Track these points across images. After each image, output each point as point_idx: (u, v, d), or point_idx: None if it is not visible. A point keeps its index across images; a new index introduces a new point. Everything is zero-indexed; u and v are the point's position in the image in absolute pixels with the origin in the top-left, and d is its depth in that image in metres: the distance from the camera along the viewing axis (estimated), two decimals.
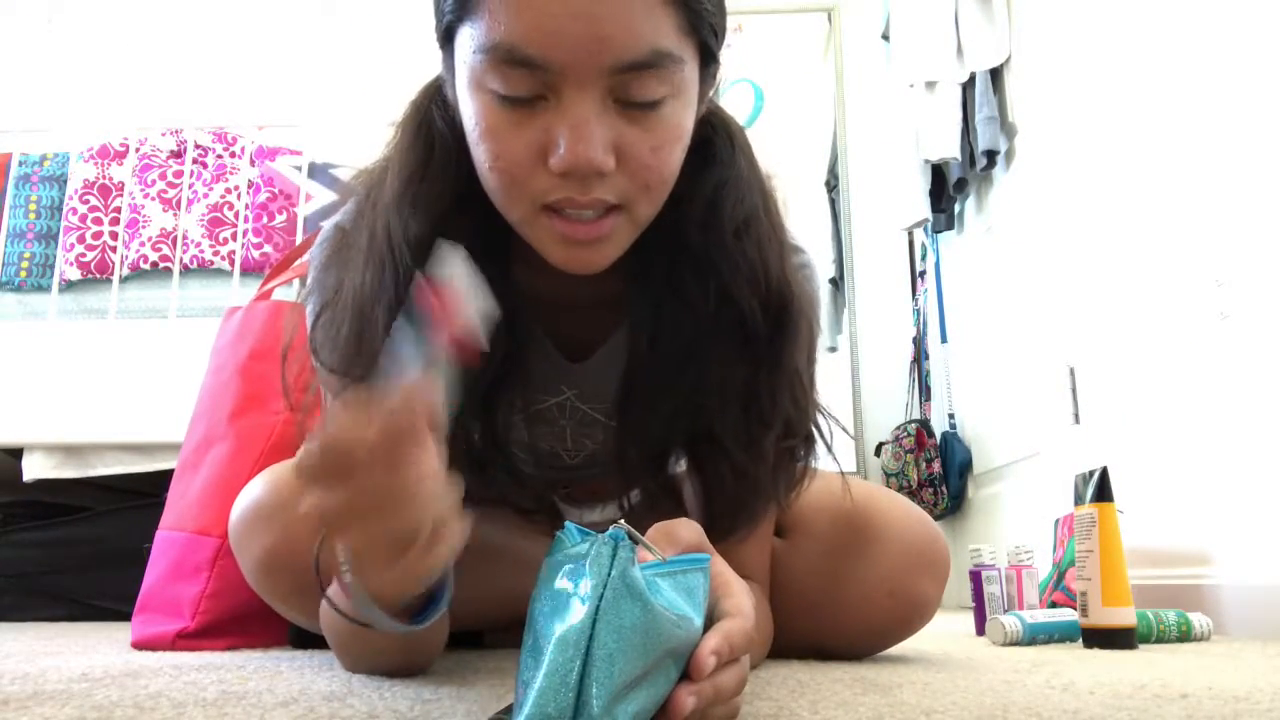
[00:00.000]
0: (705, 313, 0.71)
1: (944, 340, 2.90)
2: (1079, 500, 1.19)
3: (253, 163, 2.59)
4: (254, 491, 0.89)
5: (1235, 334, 1.43)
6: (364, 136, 2.49)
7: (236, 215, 2.51)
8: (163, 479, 1.42)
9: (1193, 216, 1.55)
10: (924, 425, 2.85)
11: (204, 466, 1.25)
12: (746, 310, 0.71)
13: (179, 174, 2.57)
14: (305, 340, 0.76)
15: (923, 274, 3.10)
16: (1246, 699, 0.63)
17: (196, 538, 1.20)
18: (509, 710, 0.46)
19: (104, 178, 2.58)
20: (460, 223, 0.68)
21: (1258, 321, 1.38)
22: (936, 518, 2.64)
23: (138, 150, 2.62)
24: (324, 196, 2.52)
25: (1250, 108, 1.41)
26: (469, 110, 0.62)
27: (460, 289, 0.44)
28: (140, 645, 1.16)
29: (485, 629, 1.08)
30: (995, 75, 2.49)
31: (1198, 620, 1.26)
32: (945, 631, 1.49)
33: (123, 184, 2.57)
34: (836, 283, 3.25)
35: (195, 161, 2.60)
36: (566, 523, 0.50)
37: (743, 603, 0.50)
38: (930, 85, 2.58)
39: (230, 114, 2.78)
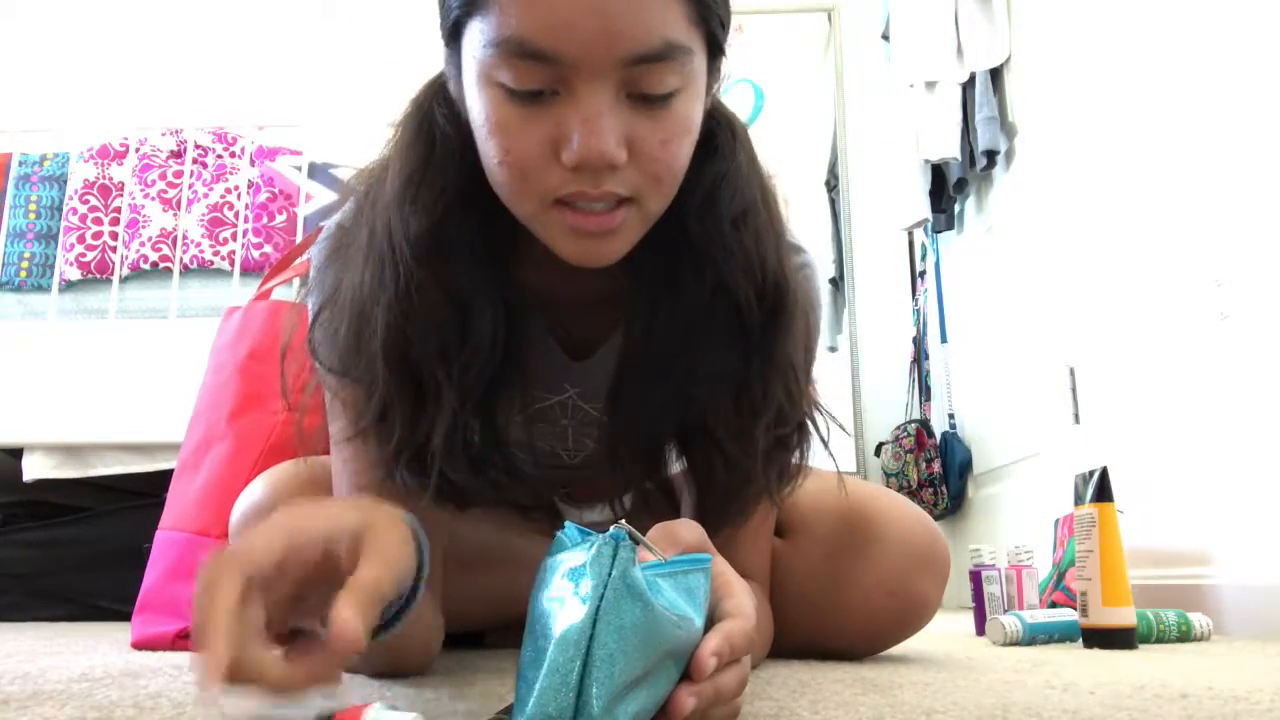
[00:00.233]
0: (699, 302, 0.71)
1: (944, 340, 2.90)
2: (1079, 500, 1.19)
3: (253, 163, 2.59)
4: (254, 493, 0.89)
5: (1235, 334, 1.43)
6: (364, 136, 2.50)
7: (236, 215, 2.51)
8: (163, 479, 1.42)
9: (1193, 216, 1.55)
10: (924, 425, 2.85)
11: (203, 467, 1.25)
12: (741, 300, 0.70)
13: (179, 174, 2.58)
14: (304, 339, 0.76)
15: (923, 274, 3.10)
16: (1246, 699, 0.63)
17: (196, 538, 1.20)
18: (509, 710, 0.46)
19: (104, 178, 2.58)
20: (462, 220, 0.68)
21: (1258, 321, 1.38)
22: (936, 518, 2.64)
23: (138, 150, 2.62)
24: (324, 196, 2.52)
25: (1250, 107, 1.41)
26: (477, 106, 0.62)
27: None
28: (140, 645, 1.16)
29: (485, 629, 1.08)
30: (995, 75, 2.49)
31: (1198, 620, 1.26)
32: (945, 632, 1.49)
33: (123, 184, 2.57)
34: (836, 283, 3.25)
35: (195, 161, 2.60)
36: (566, 523, 0.50)
37: (744, 603, 0.50)
38: (930, 85, 2.58)
39: (230, 114, 2.78)
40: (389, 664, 0.74)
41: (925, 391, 2.99)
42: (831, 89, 3.37)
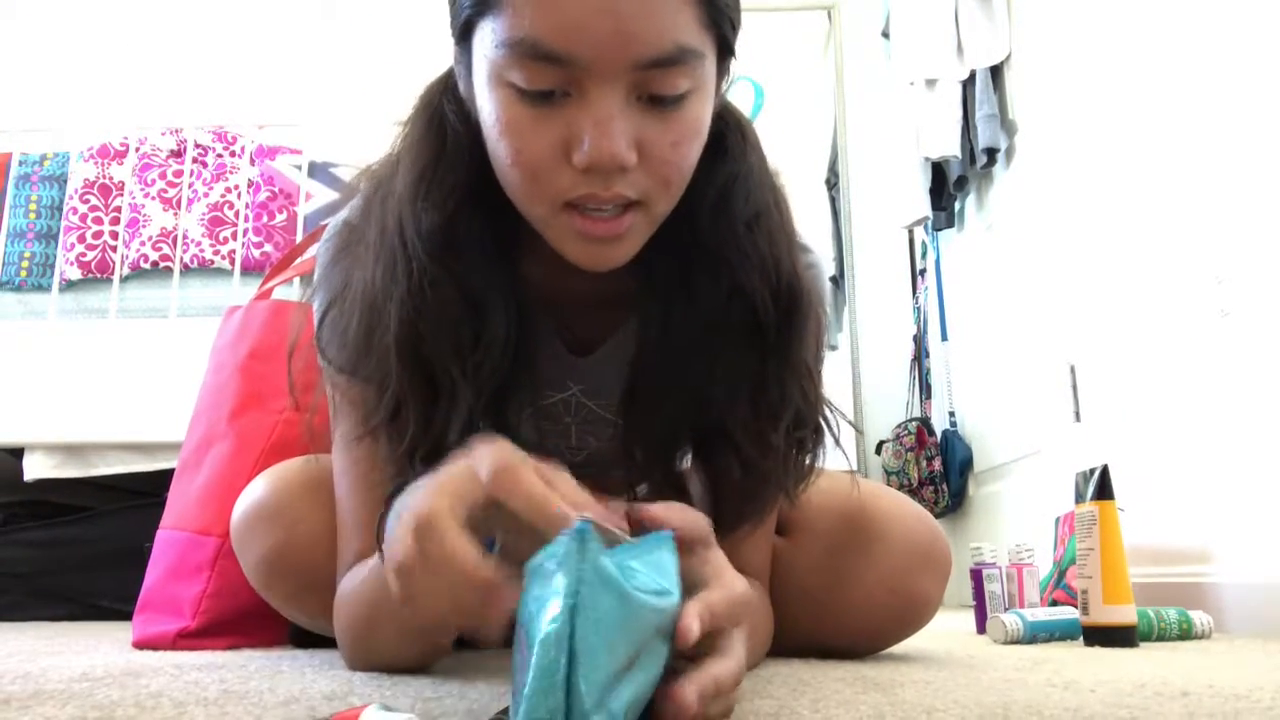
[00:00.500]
0: (715, 305, 0.71)
1: (944, 338, 2.90)
2: (1080, 498, 1.19)
3: (253, 162, 2.59)
4: (256, 491, 0.89)
5: (1236, 331, 1.43)
6: (364, 135, 2.50)
7: (237, 214, 2.51)
8: (163, 478, 1.42)
9: (1193, 214, 1.55)
10: (924, 423, 2.85)
11: (204, 466, 1.25)
12: (757, 302, 0.71)
13: (179, 173, 2.57)
14: (310, 339, 0.76)
15: (923, 272, 3.10)
16: (1247, 697, 0.63)
17: (197, 537, 1.20)
18: (508, 711, 0.46)
19: (104, 177, 2.58)
20: (472, 217, 0.68)
21: (1258, 319, 1.38)
22: (937, 516, 2.64)
23: (138, 150, 2.62)
24: (324, 195, 2.51)
25: (1250, 105, 1.41)
26: (488, 105, 0.62)
27: None
28: (141, 645, 1.16)
29: None
30: (995, 73, 2.49)
31: (1198, 618, 1.26)
32: (946, 630, 1.49)
33: (123, 183, 2.57)
34: (837, 281, 3.24)
35: (195, 161, 2.60)
36: None
37: (729, 579, 0.50)
38: (930, 83, 2.58)
39: (230, 113, 2.78)
40: (420, 655, 0.74)
41: (926, 389, 2.99)
42: (831, 87, 3.37)
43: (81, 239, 2.50)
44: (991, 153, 2.40)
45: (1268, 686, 0.68)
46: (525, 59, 0.58)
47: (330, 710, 0.53)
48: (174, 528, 1.23)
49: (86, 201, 2.54)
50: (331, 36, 3.25)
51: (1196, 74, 1.55)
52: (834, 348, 3.18)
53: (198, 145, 2.62)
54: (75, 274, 2.48)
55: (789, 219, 0.75)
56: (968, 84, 2.53)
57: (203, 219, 2.52)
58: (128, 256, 2.50)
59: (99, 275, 2.49)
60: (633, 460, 0.75)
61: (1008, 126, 2.43)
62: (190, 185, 2.56)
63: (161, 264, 2.49)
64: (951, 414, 2.80)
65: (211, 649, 1.12)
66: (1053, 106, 2.15)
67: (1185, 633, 1.24)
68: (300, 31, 3.27)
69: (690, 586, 0.48)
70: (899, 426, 2.89)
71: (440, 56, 0.75)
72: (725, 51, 0.65)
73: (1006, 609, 1.42)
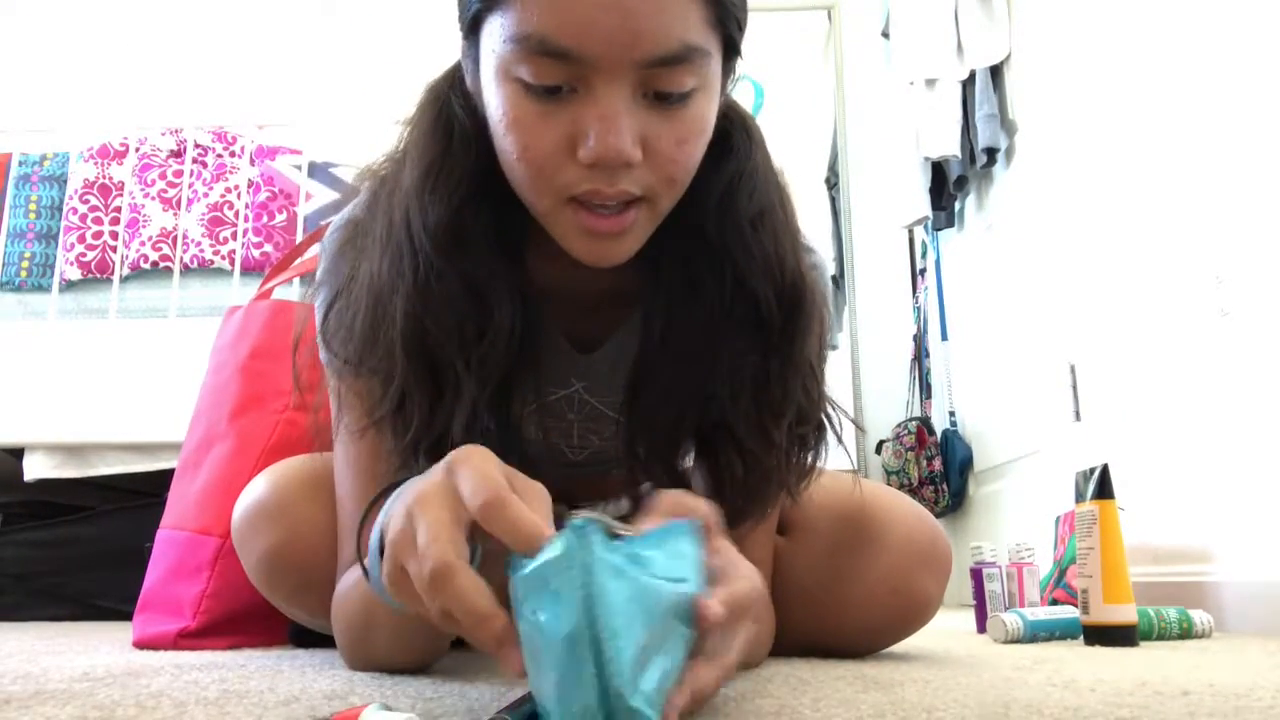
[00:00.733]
0: (719, 302, 0.71)
1: (944, 338, 2.90)
2: (1080, 497, 1.19)
3: (253, 162, 2.59)
4: (256, 490, 0.89)
5: (1236, 331, 1.43)
6: (364, 135, 2.50)
7: (236, 214, 2.51)
8: (163, 478, 1.42)
9: (1193, 213, 1.55)
10: (924, 423, 2.85)
11: (205, 466, 1.25)
12: (761, 300, 0.71)
13: (179, 173, 2.57)
14: (315, 335, 0.76)
15: (923, 271, 3.10)
16: (1248, 696, 0.63)
17: (197, 537, 1.20)
18: (509, 710, 0.46)
19: (104, 177, 2.58)
20: (478, 211, 0.68)
21: (1258, 318, 1.38)
22: (937, 515, 2.63)
23: (138, 150, 2.62)
24: (324, 195, 2.52)
25: (1250, 104, 1.41)
26: (495, 100, 0.62)
27: None
28: (142, 644, 1.16)
29: None
30: (995, 72, 2.49)
31: (1199, 617, 1.26)
32: (946, 629, 1.49)
33: (123, 184, 2.57)
34: (837, 280, 3.25)
35: (195, 161, 2.60)
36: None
37: (749, 572, 0.51)
38: (930, 83, 2.58)
39: (230, 113, 2.78)
40: (416, 655, 0.74)
41: (926, 389, 2.99)
42: (831, 86, 3.37)
43: (81, 239, 2.50)
44: (991, 152, 2.41)
45: (1268, 685, 0.68)
46: (533, 54, 0.58)
47: (331, 710, 0.53)
48: (174, 528, 1.23)
49: (86, 202, 2.55)
50: (331, 36, 3.25)
51: (1196, 74, 1.55)
52: (834, 347, 3.18)
53: (197, 145, 2.62)
54: (75, 274, 2.48)
55: (793, 217, 0.76)
56: (968, 84, 2.53)
57: (202, 219, 2.53)
58: (128, 257, 2.50)
59: (99, 275, 2.49)
60: (635, 457, 0.75)
61: (1008, 126, 2.43)
62: (190, 185, 2.56)
63: (161, 264, 2.49)
64: (951, 413, 2.81)
65: (212, 649, 1.12)
66: (1053, 106, 2.15)
67: (1185, 632, 1.24)
68: (300, 31, 3.27)
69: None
70: (899, 426, 2.89)
71: (441, 55, 0.75)
72: (731, 50, 0.65)
73: (1007, 608, 1.42)
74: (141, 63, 3.24)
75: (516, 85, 0.60)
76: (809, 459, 0.76)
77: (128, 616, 1.28)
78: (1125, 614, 1.12)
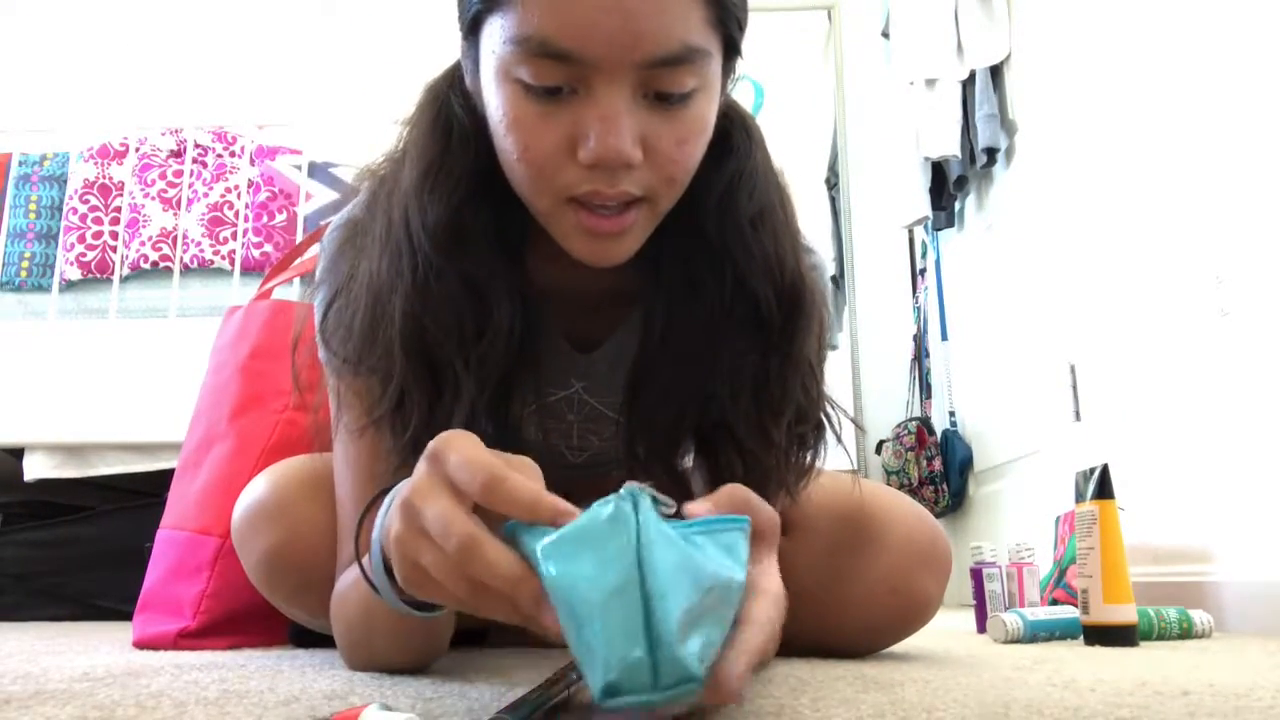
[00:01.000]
0: (719, 302, 0.71)
1: (944, 338, 2.90)
2: (1080, 497, 1.19)
3: (253, 162, 2.59)
4: (256, 490, 0.89)
5: (1236, 331, 1.43)
6: (364, 135, 2.50)
7: (236, 214, 2.51)
8: (163, 478, 1.42)
9: (1193, 213, 1.55)
10: (925, 423, 2.85)
11: (204, 466, 1.25)
12: (761, 299, 0.71)
13: (179, 173, 2.57)
14: (314, 334, 0.76)
15: (923, 271, 3.10)
16: (1248, 696, 0.63)
17: (197, 537, 1.20)
18: (510, 709, 0.46)
19: (104, 177, 2.58)
20: (478, 211, 0.68)
21: (1258, 318, 1.38)
22: (937, 515, 2.64)
23: (138, 150, 2.62)
24: (324, 195, 2.52)
25: (1250, 104, 1.41)
26: (495, 100, 0.62)
27: None
28: (142, 644, 1.16)
29: (487, 628, 1.08)
30: (995, 72, 2.49)
31: (1199, 617, 1.26)
32: (946, 629, 1.49)
33: (123, 183, 2.57)
34: (837, 281, 3.25)
35: (195, 161, 2.60)
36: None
37: (774, 595, 0.50)
38: (930, 83, 2.58)
39: (230, 113, 2.78)
40: (413, 656, 0.74)
41: (926, 389, 2.99)
42: (831, 86, 3.37)
43: (81, 239, 2.50)
44: (991, 152, 2.41)
45: (1268, 685, 0.68)
46: (534, 56, 0.58)
47: (331, 710, 0.53)
48: (174, 528, 1.23)
49: (86, 202, 2.54)
50: (331, 36, 3.25)
51: (1196, 74, 1.55)
52: (834, 347, 3.18)
53: (197, 145, 2.62)
54: (75, 274, 2.48)
55: (793, 217, 0.76)
56: (968, 84, 2.53)
57: (202, 219, 2.53)
58: (127, 257, 2.50)
59: (99, 275, 2.49)
60: (635, 458, 0.75)
61: (1007, 126, 2.43)
62: (190, 185, 2.56)
63: (161, 264, 2.49)
64: (951, 413, 2.81)
65: (212, 649, 1.12)
66: (1053, 106, 2.15)
67: (1185, 632, 1.24)
68: (300, 31, 3.27)
69: None
70: (899, 426, 2.89)
71: (440, 55, 0.75)
72: (732, 51, 0.65)
73: (1007, 608, 1.42)
74: (141, 63, 3.25)
75: (517, 86, 0.60)
76: (808, 458, 0.76)
77: (128, 616, 1.28)
78: (1125, 614, 1.12)
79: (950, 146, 2.52)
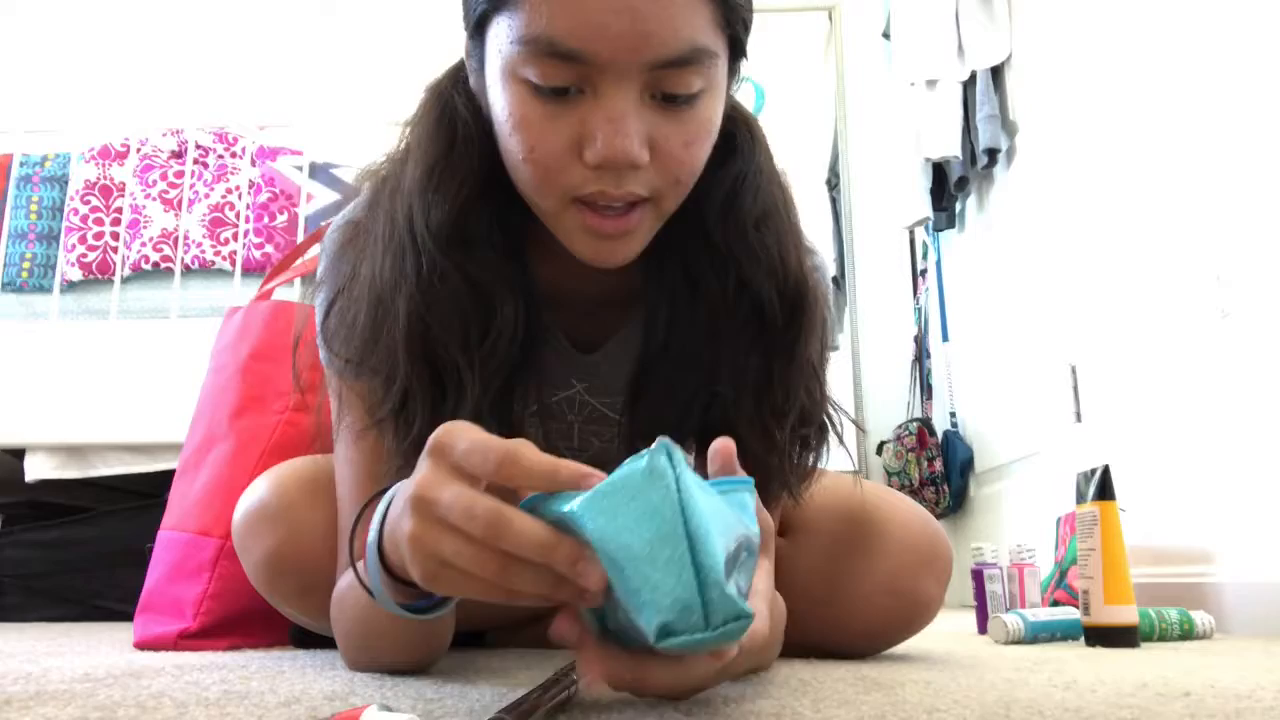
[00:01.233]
0: (722, 303, 0.71)
1: (945, 339, 2.90)
2: (1081, 498, 1.19)
3: (253, 163, 2.59)
4: (257, 492, 0.89)
5: (1236, 332, 1.43)
6: (365, 136, 2.50)
7: (237, 215, 2.52)
8: (164, 479, 1.42)
9: (1193, 214, 1.55)
10: (925, 424, 2.85)
11: (205, 467, 1.25)
12: (764, 301, 0.71)
13: (180, 174, 2.58)
14: (314, 335, 0.76)
15: (924, 272, 3.10)
16: (1249, 697, 0.63)
17: (198, 538, 1.20)
18: (510, 710, 0.46)
19: (105, 178, 2.58)
20: (481, 211, 0.68)
21: (1259, 319, 1.38)
22: (938, 516, 2.64)
23: (138, 150, 2.62)
24: (325, 196, 2.52)
25: (1250, 105, 1.41)
26: (501, 100, 0.62)
27: None
28: (142, 645, 1.16)
29: (488, 629, 1.08)
30: (996, 73, 2.49)
31: (1200, 618, 1.26)
32: (947, 630, 1.49)
33: (124, 184, 2.57)
34: (838, 281, 3.25)
35: (196, 162, 2.60)
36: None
37: (759, 627, 0.49)
38: (931, 83, 2.58)
39: (231, 114, 2.79)
40: (413, 657, 0.74)
41: (927, 390, 2.99)
42: (832, 88, 3.37)
43: (82, 240, 2.50)
44: (992, 153, 2.41)
45: (1269, 686, 0.68)
46: (541, 56, 0.58)
47: (331, 710, 0.53)
48: (175, 528, 1.23)
49: (87, 202, 2.55)
50: (331, 36, 3.25)
51: (1196, 74, 1.55)
52: (835, 348, 3.18)
53: (198, 146, 2.62)
54: (76, 275, 2.48)
55: (796, 219, 0.76)
56: (968, 84, 2.53)
57: (203, 220, 2.53)
58: (129, 257, 2.50)
59: (100, 276, 2.49)
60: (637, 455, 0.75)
61: (1008, 127, 2.43)
62: (191, 186, 2.56)
63: (162, 265, 2.49)
64: (952, 414, 2.80)
65: (212, 649, 1.12)
66: (1053, 107, 2.15)
67: (1187, 633, 1.24)
68: (300, 31, 3.27)
69: None
70: (900, 427, 2.89)
71: (441, 56, 0.75)
72: (737, 52, 0.65)
73: (1008, 609, 1.42)
74: (142, 63, 3.25)
75: (523, 86, 0.60)
76: (810, 459, 0.76)
77: (128, 617, 1.28)
78: (1126, 615, 1.12)
79: (951, 147, 2.52)
